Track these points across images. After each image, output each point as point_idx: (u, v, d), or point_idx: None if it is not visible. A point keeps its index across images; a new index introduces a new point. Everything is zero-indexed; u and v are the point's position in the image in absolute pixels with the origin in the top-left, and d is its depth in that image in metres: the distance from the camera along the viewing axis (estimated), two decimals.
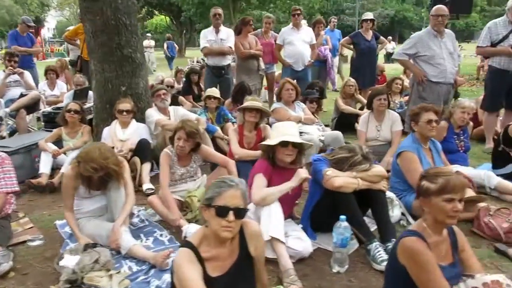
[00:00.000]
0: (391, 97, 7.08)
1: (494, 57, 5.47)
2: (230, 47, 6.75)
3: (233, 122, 5.88)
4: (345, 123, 6.62)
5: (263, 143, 3.16)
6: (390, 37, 23.88)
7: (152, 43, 18.86)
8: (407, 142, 3.82)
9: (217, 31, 6.79)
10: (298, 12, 7.22)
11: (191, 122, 3.86)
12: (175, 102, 6.80)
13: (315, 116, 5.71)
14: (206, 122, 5.57)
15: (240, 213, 1.99)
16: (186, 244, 2.05)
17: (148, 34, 20.84)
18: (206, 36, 6.80)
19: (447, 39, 5.02)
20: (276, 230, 2.84)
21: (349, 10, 51.48)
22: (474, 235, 3.44)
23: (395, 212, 3.63)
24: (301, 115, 4.84)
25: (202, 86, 7.60)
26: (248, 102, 4.27)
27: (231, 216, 1.96)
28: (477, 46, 5.58)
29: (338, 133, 4.75)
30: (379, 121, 5.03)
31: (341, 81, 8.88)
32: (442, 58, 4.93)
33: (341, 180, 3.04)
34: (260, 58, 7.20)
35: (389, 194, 3.65)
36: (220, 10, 6.83)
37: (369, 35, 7.75)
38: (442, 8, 5.00)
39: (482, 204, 3.64)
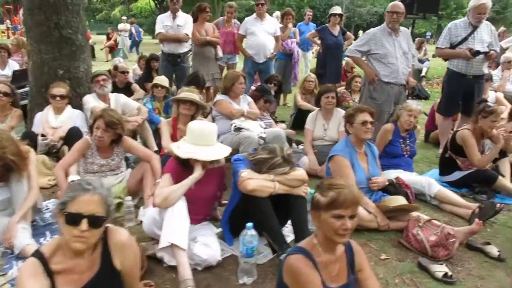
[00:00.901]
0: (351, 95, 6.90)
1: (452, 60, 5.28)
2: (187, 34, 6.45)
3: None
4: (303, 119, 6.35)
5: (172, 148, 2.90)
6: None
7: (128, 26, 18.33)
8: (340, 146, 3.61)
9: (174, 17, 6.47)
10: (262, 1, 6.92)
11: (113, 112, 3.59)
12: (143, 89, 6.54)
13: (271, 115, 5.48)
14: (150, 112, 5.30)
15: (95, 221, 1.74)
16: (35, 253, 1.80)
17: (124, 17, 20.20)
18: (162, 21, 6.48)
19: (402, 38, 4.79)
20: (177, 236, 2.61)
21: (338, 5, 51.08)
22: (402, 247, 3.25)
23: None
24: (244, 109, 4.58)
25: None
26: (183, 93, 4.01)
27: (84, 224, 1.71)
28: (436, 47, 5.38)
29: (280, 131, 4.52)
30: (327, 119, 4.82)
31: None
32: (395, 57, 4.70)
33: (255, 183, 2.81)
34: (218, 47, 6.91)
35: None
36: None
37: (336, 30, 7.50)
38: (397, 4, 4.77)
39: (415, 214, 3.46)
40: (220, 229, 3.22)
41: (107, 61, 17.37)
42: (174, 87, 6.58)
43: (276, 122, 6.37)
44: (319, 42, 7.83)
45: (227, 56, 7.43)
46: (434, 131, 6.10)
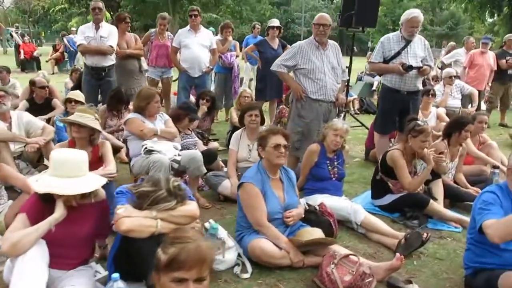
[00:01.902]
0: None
1: (386, 75, 5.03)
2: (111, 46, 5.95)
3: None
4: None
5: (29, 183, 2.41)
6: None
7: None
8: (251, 172, 3.21)
9: (97, 27, 5.97)
10: (195, 13, 6.54)
11: None
12: None
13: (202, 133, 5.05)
14: (61, 130, 4.78)
15: None
16: None
17: (73, 28, 19.42)
18: (84, 32, 5.96)
19: (330, 52, 4.48)
20: None
21: (298, 19, 51.69)
22: (315, 287, 2.85)
23: (228, 256, 2.99)
24: (157, 128, 4.12)
25: None
26: (75, 114, 3.50)
27: None
28: (370, 62, 5.13)
29: (196, 153, 4.08)
30: (251, 140, 4.42)
31: None
32: (323, 72, 4.38)
33: (131, 222, 2.35)
34: (142, 58, 6.46)
35: (222, 234, 3.01)
36: (100, 4, 6.02)
37: (275, 43, 7.18)
38: (324, 16, 4.46)
39: (336, 248, 3.09)
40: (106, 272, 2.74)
41: (53, 73, 16.56)
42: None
43: (208, 140, 5.97)
44: (257, 56, 7.48)
45: (161, 69, 6.98)
46: (374, 149, 5.82)
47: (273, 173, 3.20)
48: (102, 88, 6.15)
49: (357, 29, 6.70)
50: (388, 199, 4.13)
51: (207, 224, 3.06)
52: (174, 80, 7.69)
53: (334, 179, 4.03)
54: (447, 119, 6.47)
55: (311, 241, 2.97)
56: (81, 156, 2.49)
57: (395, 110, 4.99)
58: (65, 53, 17.11)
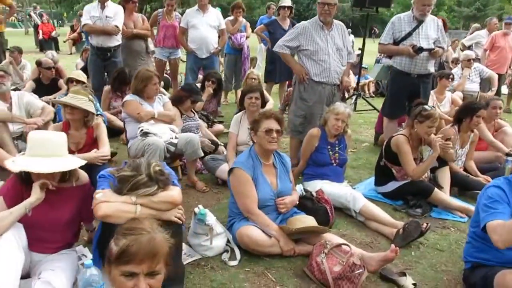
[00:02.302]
0: None
1: (396, 57, 4.82)
2: (117, 26, 5.87)
3: (98, 114, 5.03)
4: None
5: (6, 163, 2.35)
6: (349, 30, 23.28)
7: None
8: (242, 157, 3.09)
9: (102, 7, 5.88)
10: None
11: None
12: None
13: (194, 112, 4.95)
14: (60, 111, 4.74)
15: None
16: None
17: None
18: (89, 12, 5.89)
19: (335, 33, 4.27)
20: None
21: None
22: (305, 277, 2.75)
23: (216, 243, 2.91)
24: (155, 111, 4.04)
25: None
26: (68, 96, 3.44)
27: None
28: (379, 43, 4.90)
29: (193, 136, 3.97)
30: None
31: None
32: (327, 54, 4.18)
33: (109, 207, 2.28)
34: (149, 39, 6.37)
35: (210, 220, 2.93)
36: None
37: (286, 24, 6.98)
38: None
39: (328, 236, 2.98)
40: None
41: (71, 53, 16.67)
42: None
43: (213, 123, 5.88)
44: (267, 36, 7.28)
45: (169, 50, 6.87)
46: (383, 133, 5.63)
47: (266, 158, 3.08)
48: (108, 69, 6.09)
49: (371, 9, 6.42)
50: (391, 186, 3.98)
51: (196, 209, 2.98)
52: (184, 61, 7.59)
53: (335, 164, 3.89)
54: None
55: (302, 229, 2.85)
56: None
57: (404, 94, 4.78)
58: (82, 33, 17.15)
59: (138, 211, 2.32)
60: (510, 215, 2.29)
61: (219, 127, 5.76)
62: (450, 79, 6.07)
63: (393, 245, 2.77)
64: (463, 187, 4.21)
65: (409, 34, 4.65)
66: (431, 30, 4.64)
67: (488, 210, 2.32)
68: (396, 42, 4.74)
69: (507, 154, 4.39)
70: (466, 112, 4.26)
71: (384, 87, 9.82)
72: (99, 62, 6.06)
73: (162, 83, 7.84)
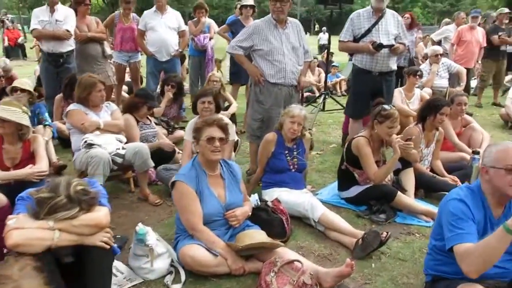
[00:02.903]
0: None
1: (356, 55, 4.64)
2: (68, 31, 5.55)
3: (46, 125, 4.74)
4: None
5: None
6: (324, 28, 23.28)
7: None
8: (185, 168, 2.85)
9: (52, 11, 5.56)
10: None
11: None
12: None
13: (151, 119, 4.69)
14: None
15: None
16: None
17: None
18: (38, 16, 5.56)
19: (290, 31, 4.06)
20: None
21: None
22: None
23: (157, 264, 2.66)
24: (101, 121, 3.76)
25: None
26: None
27: None
28: (339, 41, 4.71)
29: (141, 146, 3.72)
30: None
31: None
32: (282, 53, 3.97)
33: (20, 234, 2.01)
34: (106, 43, 6.07)
35: (151, 240, 2.67)
36: None
37: (249, 23, 6.73)
38: None
39: (282, 251, 2.75)
40: None
41: (38, 60, 16.12)
42: None
43: (174, 129, 5.62)
44: (230, 37, 7.03)
45: (128, 54, 6.57)
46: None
47: (211, 169, 2.84)
48: (61, 76, 5.73)
49: (334, 6, 6.25)
50: (354, 191, 3.78)
51: (136, 228, 2.72)
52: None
53: (293, 170, 3.68)
54: None
55: (250, 245, 2.63)
56: None
57: (366, 93, 4.60)
58: None
59: (56, 238, 2.07)
60: (476, 234, 2.10)
61: (180, 133, 5.49)
62: (418, 76, 5.92)
63: (348, 259, 2.56)
64: (429, 188, 4.05)
65: (369, 31, 4.47)
66: (391, 26, 4.48)
67: (453, 230, 2.11)
68: (356, 39, 4.56)
69: (474, 152, 4.24)
70: (429, 110, 4.10)
71: None
72: (52, 68, 5.73)
73: (126, 87, 7.57)
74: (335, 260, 2.94)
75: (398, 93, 5.90)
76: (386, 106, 3.64)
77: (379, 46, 4.30)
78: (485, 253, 1.96)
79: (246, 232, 2.75)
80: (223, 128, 2.81)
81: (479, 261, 1.97)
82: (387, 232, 2.98)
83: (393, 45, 4.36)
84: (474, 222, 2.14)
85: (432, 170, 4.27)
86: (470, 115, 7.62)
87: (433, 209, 3.56)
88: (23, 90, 4.67)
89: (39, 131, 4.50)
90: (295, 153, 3.70)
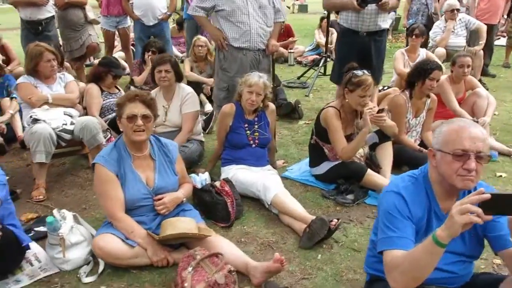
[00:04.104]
0: None
1: (342, 13, 4.11)
2: None
3: (13, 98, 4.55)
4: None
5: None
6: None
7: None
8: (106, 150, 2.53)
9: None
10: None
11: None
12: None
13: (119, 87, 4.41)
14: None
15: None
16: None
17: None
18: None
19: None
20: None
21: None
22: None
23: (70, 255, 2.41)
24: (49, 95, 3.50)
25: None
26: None
27: None
28: None
29: (89, 120, 3.43)
30: (168, 100, 3.73)
31: None
32: (246, 13, 3.51)
33: None
34: (87, 7, 5.76)
35: (63, 228, 2.42)
36: None
37: None
38: None
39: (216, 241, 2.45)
40: None
41: None
42: None
43: None
44: None
45: (116, 19, 6.22)
46: None
47: (136, 149, 2.52)
48: None
49: None
50: (324, 167, 3.40)
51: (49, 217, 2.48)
52: None
53: (254, 146, 3.32)
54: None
55: (169, 236, 2.33)
56: None
57: (352, 55, 4.06)
58: None
59: None
60: (413, 236, 1.71)
61: None
62: (415, 36, 5.27)
63: (277, 254, 2.22)
64: (414, 164, 3.56)
65: None
66: None
67: (384, 231, 1.71)
68: None
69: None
70: (418, 75, 3.58)
71: None
72: (32, 37, 5.47)
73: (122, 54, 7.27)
74: (279, 249, 2.60)
75: (400, 55, 5.33)
76: (358, 72, 3.16)
77: (363, 2, 3.76)
78: (413, 267, 1.56)
79: (170, 220, 2.43)
80: (148, 103, 2.46)
81: (406, 277, 1.58)
82: (337, 219, 2.61)
83: (380, 0, 3.79)
84: (412, 221, 1.74)
85: (422, 143, 3.79)
86: (493, 76, 6.94)
87: None
88: None
89: (5, 103, 4.35)
90: (256, 126, 3.32)
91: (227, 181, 3.02)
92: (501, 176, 3.62)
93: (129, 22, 6.47)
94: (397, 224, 1.72)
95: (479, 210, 1.41)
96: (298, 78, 6.91)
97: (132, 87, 5.24)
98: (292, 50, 8.36)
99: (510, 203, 1.42)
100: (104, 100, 4.15)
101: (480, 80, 5.64)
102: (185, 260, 2.25)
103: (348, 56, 4.13)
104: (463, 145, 1.64)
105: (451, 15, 6.20)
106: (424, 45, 6.40)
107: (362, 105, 3.15)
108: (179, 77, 3.70)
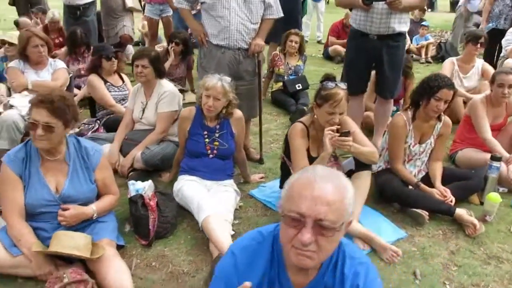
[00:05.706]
0: (284, 59, 5.32)
1: (352, 12, 3.54)
2: None
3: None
4: None
5: None
6: None
7: None
8: (15, 148, 2.35)
9: None
10: None
11: None
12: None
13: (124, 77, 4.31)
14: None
15: None
16: None
17: None
18: None
19: None
20: None
21: None
22: None
23: None
24: (28, 81, 3.49)
25: None
26: None
27: None
28: None
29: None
30: (147, 96, 3.53)
31: None
32: (227, 7, 3.11)
33: None
34: None
35: None
36: None
37: None
38: None
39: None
40: None
41: None
42: None
43: (182, 91, 5.10)
44: None
45: (159, 7, 6.15)
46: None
47: (47, 152, 2.33)
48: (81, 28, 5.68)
49: None
50: None
51: None
52: None
53: (211, 156, 2.97)
54: None
55: (54, 252, 2.12)
56: None
57: (360, 60, 3.51)
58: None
59: None
60: None
61: (190, 96, 5.06)
62: (478, 44, 4.41)
63: None
64: (403, 202, 2.97)
65: None
66: None
67: None
68: None
69: (493, 158, 2.98)
70: (422, 92, 2.94)
71: (448, 50, 7.93)
72: (71, 21, 5.69)
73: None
74: (183, 283, 2.27)
75: (449, 64, 4.56)
76: (329, 84, 2.64)
77: (368, 0, 3.17)
78: None
79: (59, 234, 2.19)
80: (54, 110, 2.20)
81: None
82: None
83: None
84: None
85: (427, 176, 3.13)
86: None
87: (371, 234, 2.58)
88: (11, 44, 4.64)
89: None
90: (216, 135, 2.98)
91: (163, 193, 2.73)
92: None
93: (171, 11, 6.38)
94: None
95: None
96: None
97: None
98: None
99: None
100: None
101: None
102: (52, 281, 2.03)
103: (355, 60, 3.58)
104: (299, 207, 1.19)
105: None
106: (491, 54, 5.45)
107: (330, 123, 2.64)
108: (159, 73, 3.47)
